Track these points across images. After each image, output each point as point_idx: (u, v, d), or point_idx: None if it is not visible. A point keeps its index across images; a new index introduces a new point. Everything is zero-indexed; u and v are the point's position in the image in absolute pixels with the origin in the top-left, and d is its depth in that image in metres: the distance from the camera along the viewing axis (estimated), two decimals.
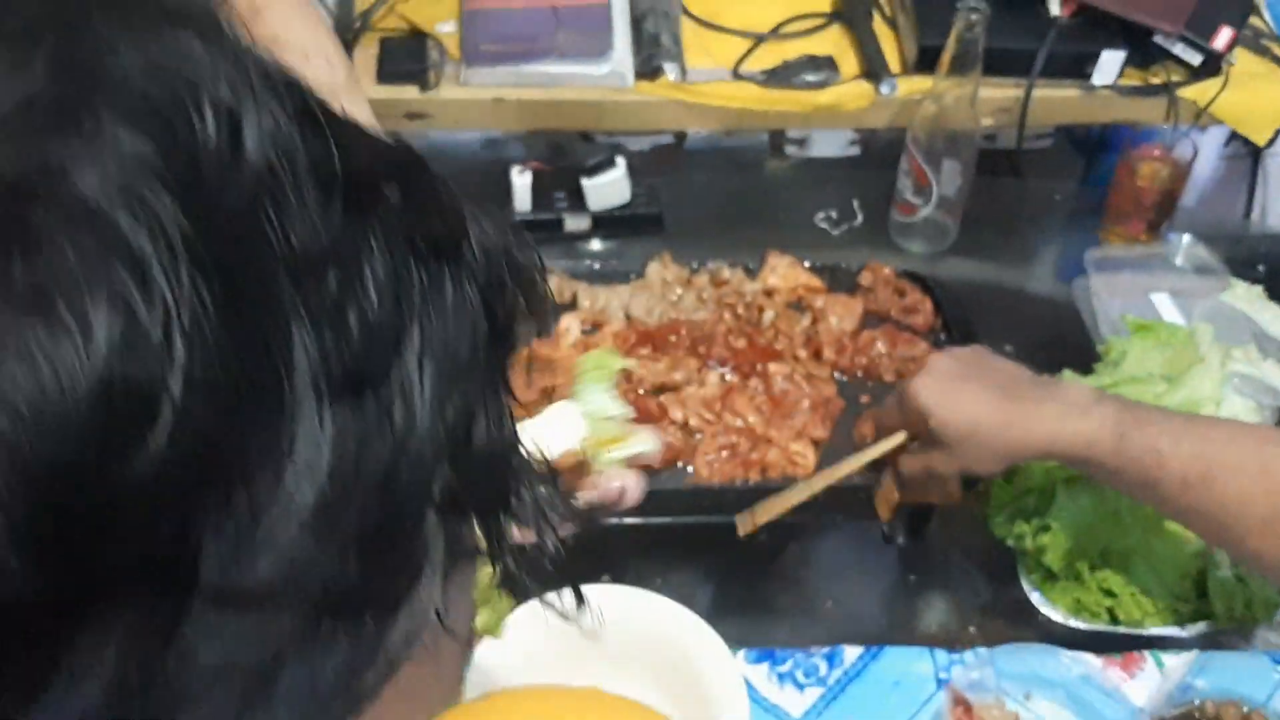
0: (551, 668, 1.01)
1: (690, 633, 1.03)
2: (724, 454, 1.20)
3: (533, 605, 1.01)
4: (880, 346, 1.29)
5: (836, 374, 1.29)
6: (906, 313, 1.33)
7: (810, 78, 1.55)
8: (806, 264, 1.38)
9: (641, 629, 1.04)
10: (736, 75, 1.55)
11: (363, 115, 0.72)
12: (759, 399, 1.24)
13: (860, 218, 1.58)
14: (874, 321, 1.33)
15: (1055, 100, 1.54)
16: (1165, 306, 1.47)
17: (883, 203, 1.56)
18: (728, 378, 1.27)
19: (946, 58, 1.41)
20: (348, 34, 1.56)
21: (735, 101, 1.52)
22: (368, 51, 1.54)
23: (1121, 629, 1.14)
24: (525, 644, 0.98)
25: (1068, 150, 1.74)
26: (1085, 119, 1.58)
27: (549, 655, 1.00)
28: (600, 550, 1.23)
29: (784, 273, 1.36)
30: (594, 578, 1.21)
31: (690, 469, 1.19)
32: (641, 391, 1.24)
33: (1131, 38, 1.52)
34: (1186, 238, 1.52)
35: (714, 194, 1.60)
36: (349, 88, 1.08)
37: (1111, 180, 1.54)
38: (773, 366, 1.27)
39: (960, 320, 1.33)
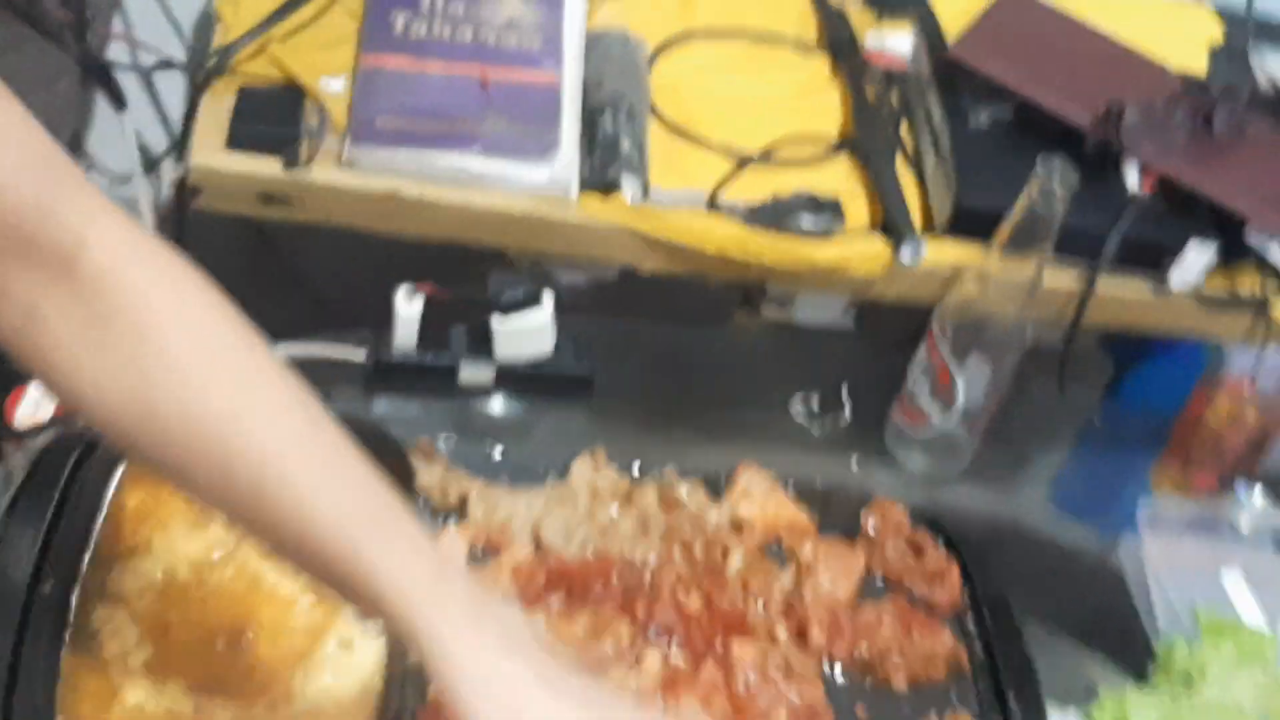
0: None
1: None
2: None
3: None
4: (886, 629, 0.91)
5: (825, 663, 0.89)
6: (926, 581, 0.95)
7: (806, 224, 1.17)
8: (791, 488, 0.99)
9: None
10: (713, 205, 1.17)
11: None
12: (716, 698, 0.84)
13: (847, 411, 1.20)
14: (878, 588, 0.94)
15: (1118, 301, 1.18)
16: (1239, 592, 1.11)
17: (877, 396, 1.19)
18: (673, 659, 0.86)
19: (1007, 229, 1.05)
20: (198, 74, 1.14)
21: (710, 242, 1.13)
22: (220, 103, 1.12)
23: None
24: None
25: (1096, 352, 1.38)
26: (1150, 325, 1.22)
27: None
28: None
29: (761, 501, 0.96)
30: None
31: None
32: None
33: (1222, 229, 1.18)
34: (1259, 495, 1.17)
35: (664, 353, 1.21)
36: None
37: (1178, 413, 1.19)
38: (738, 647, 0.87)
39: (996, 601, 0.95)
